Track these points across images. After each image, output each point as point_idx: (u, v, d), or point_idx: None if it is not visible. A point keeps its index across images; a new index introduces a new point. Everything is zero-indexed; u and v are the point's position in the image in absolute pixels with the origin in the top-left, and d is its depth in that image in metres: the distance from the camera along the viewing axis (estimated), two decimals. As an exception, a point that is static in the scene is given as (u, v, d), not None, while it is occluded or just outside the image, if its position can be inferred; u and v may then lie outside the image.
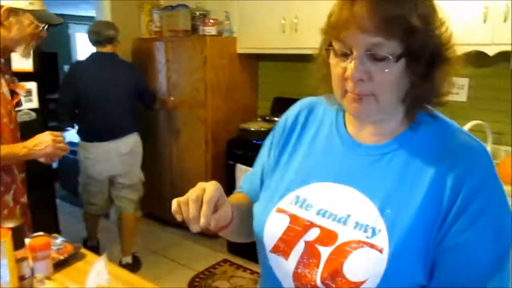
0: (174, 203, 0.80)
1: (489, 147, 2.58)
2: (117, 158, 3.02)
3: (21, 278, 1.18)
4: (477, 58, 2.46)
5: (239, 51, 3.45)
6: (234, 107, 3.54)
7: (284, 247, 0.86)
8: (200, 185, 0.82)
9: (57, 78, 8.46)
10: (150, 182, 3.46)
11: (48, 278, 1.17)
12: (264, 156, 1.04)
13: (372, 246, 0.77)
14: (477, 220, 0.75)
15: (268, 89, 3.70)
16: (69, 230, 3.70)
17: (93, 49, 3.06)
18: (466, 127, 2.48)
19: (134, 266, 3.11)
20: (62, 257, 1.37)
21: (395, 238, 0.77)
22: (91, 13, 3.86)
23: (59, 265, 1.34)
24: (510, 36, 2.19)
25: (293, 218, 0.87)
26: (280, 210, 0.89)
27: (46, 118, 3.15)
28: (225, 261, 3.23)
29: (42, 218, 3.00)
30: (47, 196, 3.13)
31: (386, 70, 0.74)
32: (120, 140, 3.01)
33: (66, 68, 8.83)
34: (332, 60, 0.81)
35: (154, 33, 3.81)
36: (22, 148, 1.60)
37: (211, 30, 3.39)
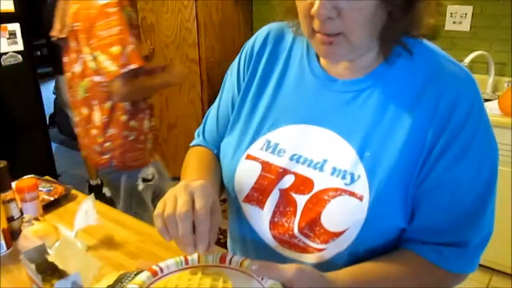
0: (158, 220, 0.67)
1: (491, 79, 2.51)
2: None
3: (10, 219, 1.17)
4: (482, -17, 2.37)
5: (232, -15, 3.29)
6: (228, 46, 3.42)
7: (258, 196, 0.81)
8: (186, 188, 0.69)
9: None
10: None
11: (36, 219, 1.15)
12: (230, 92, 0.93)
13: (351, 194, 0.72)
14: (461, 156, 0.70)
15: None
16: (68, 174, 3.75)
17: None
18: (468, 58, 2.40)
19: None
20: (52, 198, 1.35)
21: (375, 185, 0.71)
22: None
23: (50, 206, 1.33)
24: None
25: (265, 165, 0.80)
26: (250, 157, 0.82)
27: (35, 63, 3.05)
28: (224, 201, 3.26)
29: (38, 162, 3.04)
30: (43, 140, 3.09)
31: (358, 6, 0.64)
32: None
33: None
34: None
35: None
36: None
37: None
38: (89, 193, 3.33)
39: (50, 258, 0.76)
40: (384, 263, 0.73)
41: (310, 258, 0.78)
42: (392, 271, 0.73)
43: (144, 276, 0.70)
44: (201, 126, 1.01)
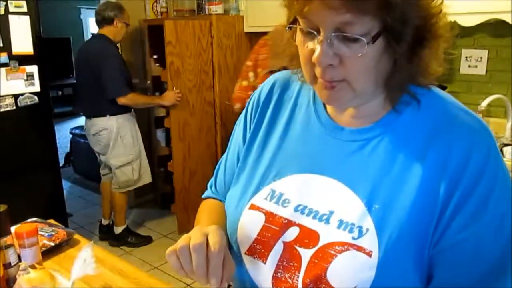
0: (171, 255, 0.67)
1: (509, 123, 2.44)
2: (90, 137, 3.20)
3: (7, 265, 1.13)
4: (496, 28, 2.35)
5: (247, 30, 3.32)
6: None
7: (260, 249, 0.76)
8: (199, 230, 0.69)
9: (70, 63, 8.50)
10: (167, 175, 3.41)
11: (33, 266, 1.11)
12: (237, 143, 0.90)
13: (359, 248, 0.66)
14: (480, 212, 0.64)
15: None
16: (80, 213, 3.73)
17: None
18: (485, 102, 2.34)
19: (122, 239, 3.27)
20: (53, 244, 1.32)
21: (385, 239, 0.66)
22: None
23: (50, 252, 1.29)
24: (532, 2, 2.04)
25: (269, 216, 0.76)
26: (254, 207, 0.78)
27: (52, 103, 3.12)
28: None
29: (49, 201, 3.03)
30: (54, 180, 3.10)
31: (360, 55, 0.61)
32: (92, 120, 3.12)
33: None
34: (299, 39, 0.68)
35: (160, 14, 3.73)
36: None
37: (217, 8, 3.29)
38: (99, 233, 3.33)
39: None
40: None
41: None
42: None
43: None
44: (213, 178, 0.99)
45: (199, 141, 3.31)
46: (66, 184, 3.96)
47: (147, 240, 3.32)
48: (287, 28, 0.70)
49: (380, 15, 0.60)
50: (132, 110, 3.19)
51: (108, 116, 3.06)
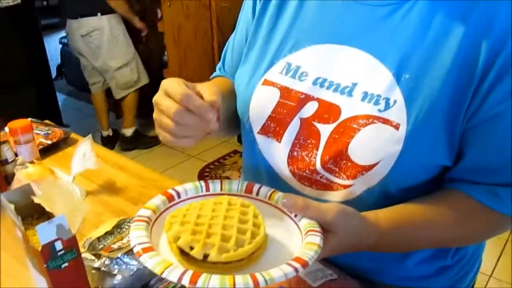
0: (160, 121, 0.60)
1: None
2: (77, 40, 2.95)
3: (4, 162, 1.09)
4: None
5: None
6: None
7: (275, 127, 0.71)
8: (160, 92, 0.61)
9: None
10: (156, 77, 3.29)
11: (31, 162, 1.07)
12: (246, 20, 0.82)
13: (385, 121, 0.62)
14: None
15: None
16: (77, 125, 3.68)
17: None
18: None
19: (135, 141, 3.25)
20: (50, 142, 1.27)
21: (415, 111, 0.61)
22: None
23: (47, 151, 1.25)
24: None
25: (285, 91, 0.70)
26: (267, 83, 0.72)
27: (39, 13, 2.92)
28: (235, 152, 3.18)
29: (44, 113, 2.97)
30: (48, 93, 3.01)
31: None
32: (80, 20, 2.87)
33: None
34: None
35: None
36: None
37: None
38: (102, 144, 3.30)
39: (36, 200, 0.68)
40: (430, 205, 0.65)
41: (334, 196, 0.68)
42: (439, 214, 0.65)
43: (158, 200, 0.62)
44: (221, 61, 0.92)
45: (195, 46, 3.16)
46: (60, 97, 3.86)
47: (157, 140, 3.30)
48: None
49: None
50: None
51: (99, 15, 2.85)
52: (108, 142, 3.32)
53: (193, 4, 3.05)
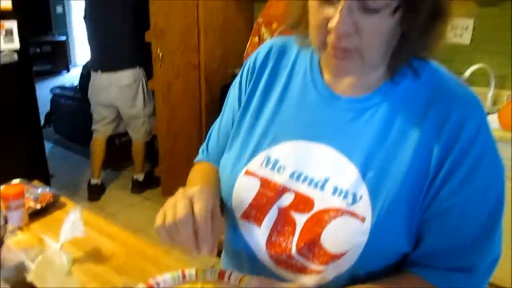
0: (161, 231, 0.68)
1: (491, 92, 2.48)
2: (117, 89, 3.21)
3: (-6, 228, 1.13)
4: (484, -4, 2.35)
5: (234, -9, 3.24)
6: (228, 51, 3.38)
7: (255, 213, 0.78)
8: (184, 194, 0.69)
9: (49, 18, 8.19)
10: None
11: (21, 228, 1.12)
12: (232, 108, 0.91)
13: (353, 214, 0.70)
14: (468, 180, 0.67)
15: (264, 31, 3.51)
16: (62, 175, 3.70)
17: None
18: (469, 71, 2.37)
19: (146, 184, 3.53)
20: (39, 206, 1.31)
21: (378, 206, 0.69)
22: None
23: (36, 215, 1.29)
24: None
25: (264, 182, 0.78)
26: (249, 173, 0.80)
27: (32, 60, 3.01)
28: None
29: (30, 162, 2.99)
30: (36, 140, 3.05)
31: (378, 25, 0.62)
32: (119, 72, 3.17)
33: (58, 8, 8.52)
34: (313, 3, 0.67)
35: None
36: None
37: (203, -33, 3.18)
38: (88, 193, 3.32)
39: (29, 278, 0.72)
40: (390, 286, 0.71)
41: (308, 280, 0.75)
42: None
43: None
44: (205, 143, 1.00)
45: (184, 104, 3.27)
46: (47, 145, 3.90)
47: (157, 179, 3.45)
48: None
49: None
50: None
51: (137, 67, 3.17)
52: (97, 191, 3.39)
53: (183, 64, 3.18)
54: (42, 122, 4.41)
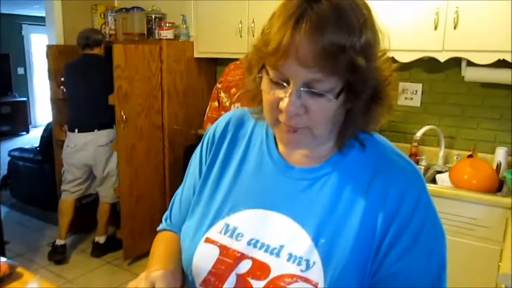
0: None
1: (442, 151, 2.63)
2: (93, 149, 3.25)
3: None
4: (430, 64, 2.55)
5: (197, 55, 3.36)
6: (191, 113, 3.46)
7: (214, 281, 0.80)
8: (147, 278, 0.73)
9: (9, 80, 8.13)
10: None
11: (-26, 303, 1.07)
12: (193, 177, 0.95)
13: (307, 280, 0.73)
14: (412, 246, 0.73)
15: (227, 94, 3.63)
16: (17, 240, 3.55)
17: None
18: (420, 132, 2.52)
19: (106, 247, 3.43)
20: (-6, 278, 1.27)
21: (330, 272, 0.72)
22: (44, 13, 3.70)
23: (-9, 287, 1.24)
24: (460, 43, 2.24)
25: (223, 249, 0.80)
26: (209, 240, 0.82)
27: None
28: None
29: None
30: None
31: (324, 106, 0.69)
32: (98, 132, 3.24)
33: (20, 70, 8.49)
34: (265, 85, 0.74)
35: (109, 36, 3.70)
36: None
37: (167, 34, 3.32)
38: (53, 254, 3.21)
39: None
40: None
41: None
42: None
43: None
44: (168, 211, 1.02)
45: (147, 164, 3.27)
46: (3, 209, 3.75)
47: (119, 242, 3.33)
48: (257, 76, 0.76)
49: (346, 76, 0.68)
50: None
51: (114, 126, 3.18)
52: (63, 252, 3.30)
53: (146, 126, 3.22)
54: (-2, 185, 4.29)
